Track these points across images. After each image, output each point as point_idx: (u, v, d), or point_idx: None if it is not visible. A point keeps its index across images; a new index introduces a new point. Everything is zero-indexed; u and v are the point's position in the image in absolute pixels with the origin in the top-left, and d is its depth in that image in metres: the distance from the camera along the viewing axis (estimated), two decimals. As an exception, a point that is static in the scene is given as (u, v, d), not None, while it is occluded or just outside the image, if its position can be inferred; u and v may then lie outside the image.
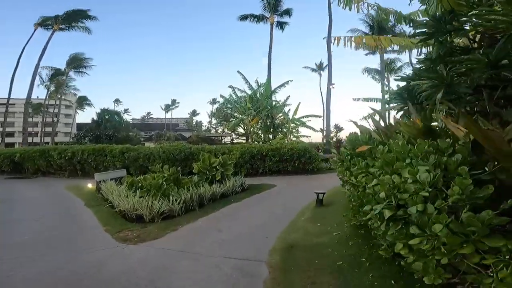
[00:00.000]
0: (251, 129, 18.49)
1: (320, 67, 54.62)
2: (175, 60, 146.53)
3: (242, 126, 20.10)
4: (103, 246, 5.20)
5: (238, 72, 23.04)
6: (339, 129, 18.78)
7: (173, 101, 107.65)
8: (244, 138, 25.06)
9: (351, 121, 6.12)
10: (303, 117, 19.54)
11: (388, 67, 34.94)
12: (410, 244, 2.45)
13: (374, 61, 41.45)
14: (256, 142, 16.96)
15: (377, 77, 39.15)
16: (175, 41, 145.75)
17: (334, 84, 20.42)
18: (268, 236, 5.47)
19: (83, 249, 5.08)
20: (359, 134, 5.33)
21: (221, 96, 20.82)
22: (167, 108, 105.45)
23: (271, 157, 13.91)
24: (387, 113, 15.05)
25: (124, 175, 10.18)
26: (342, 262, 4.05)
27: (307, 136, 20.20)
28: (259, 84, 22.15)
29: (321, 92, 55.47)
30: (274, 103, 22.83)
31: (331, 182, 11.60)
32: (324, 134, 20.79)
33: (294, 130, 19.69)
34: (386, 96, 20.98)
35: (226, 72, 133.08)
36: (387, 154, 3.04)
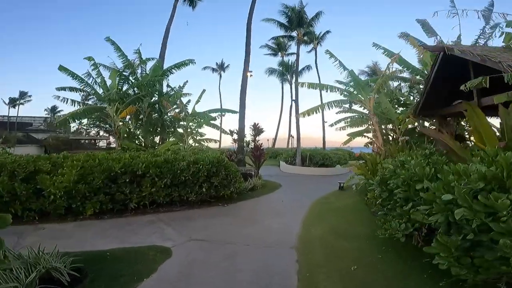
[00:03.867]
0: (117, 127, 10.68)
1: (221, 67, 50.05)
2: (34, 38, 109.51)
3: (108, 121, 11.83)
4: None
5: (108, 39, 14.51)
6: (258, 130, 13.76)
7: (23, 94, 78.84)
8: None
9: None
10: (210, 111, 13.29)
11: (289, 68, 33.88)
12: None
13: (275, 61, 39.84)
14: (128, 149, 9.52)
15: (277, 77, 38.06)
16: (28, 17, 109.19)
17: (252, 71, 15.52)
18: None
19: None
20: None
21: (60, 68, 11.64)
22: (13, 102, 76.19)
23: (156, 177, 7.01)
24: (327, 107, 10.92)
25: None
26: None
27: (215, 140, 14.05)
28: (143, 58, 14.42)
29: (220, 94, 51.00)
30: (167, 90, 15.59)
31: (279, 227, 5.59)
32: (237, 137, 15.25)
33: (195, 130, 13.06)
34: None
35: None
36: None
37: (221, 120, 45.28)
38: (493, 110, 8.66)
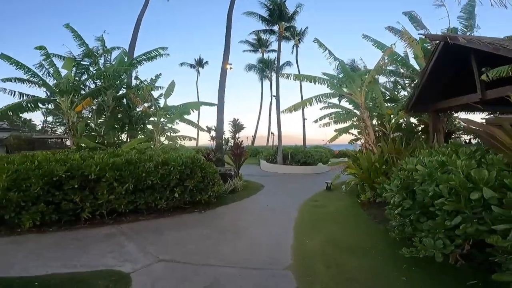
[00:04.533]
0: (70, 123, 9.01)
1: (199, 64, 48.15)
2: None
3: (62, 115, 10.03)
4: None
5: (67, 26, 12.67)
6: (238, 127, 12.64)
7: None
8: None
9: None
10: (184, 105, 11.80)
11: (270, 65, 33.12)
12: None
13: (255, 58, 38.41)
14: (87, 148, 7.99)
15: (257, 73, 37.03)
16: None
17: (231, 64, 14.34)
18: None
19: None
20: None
21: (2, 56, 9.73)
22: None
23: (115, 182, 5.71)
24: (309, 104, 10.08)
25: None
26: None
27: (190, 138, 12.64)
28: (106, 47, 12.67)
29: (197, 91, 49.22)
30: (135, 82, 14.03)
31: (268, 238, 4.58)
32: (214, 134, 14.09)
33: (167, 126, 11.54)
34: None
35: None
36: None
37: (198, 117, 43.61)
38: (498, 104, 8.31)
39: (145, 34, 52.59)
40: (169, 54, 14.00)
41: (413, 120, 11.38)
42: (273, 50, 33.52)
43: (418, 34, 6.89)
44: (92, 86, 11.62)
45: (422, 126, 10.56)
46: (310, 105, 9.09)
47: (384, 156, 6.87)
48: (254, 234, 5.42)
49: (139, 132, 11.74)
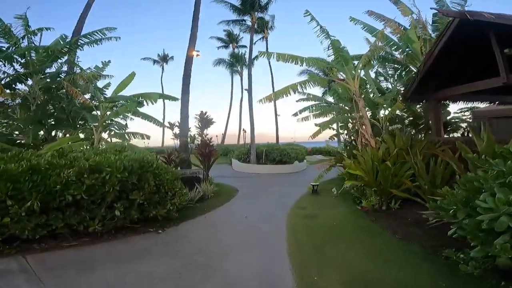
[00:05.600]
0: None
1: (163, 59, 44.61)
2: None
3: None
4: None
5: None
6: (207, 121, 10.74)
7: None
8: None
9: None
10: (138, 95, 9.43)
11: (240, 59, 31.46)
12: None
13: (225, 54, 35.99)
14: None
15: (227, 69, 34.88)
16: None
17: (199, 51, 12.34)
18: None
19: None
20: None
21: None
22: None
23: (8, 198, 3.60)
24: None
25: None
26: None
27: (143, 136, 10.17)
28: (30, 27, 9.86)
29: (162, 88, 45.77)
30: (77, 70, 11.45)
31: (255, 276, 3.10)
32: (178, 131, 12.05)
33: (111, 121, 9.14)
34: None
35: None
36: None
37: (164, 116, 40.33)
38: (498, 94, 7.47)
39: (96, 22, 47.21)
40: (120, 37, 11.55)
41: (400, 112, 10.48)
42: (244, 46, 31.99)
43: (430, 8, 5.85)
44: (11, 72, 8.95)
45: (411, 118, 9.66)
46: (294, 92, 7.61)
47: (390, 153, 5.55)
48: (234, 267, 3.68)
49: (80, 129, 9.29)
